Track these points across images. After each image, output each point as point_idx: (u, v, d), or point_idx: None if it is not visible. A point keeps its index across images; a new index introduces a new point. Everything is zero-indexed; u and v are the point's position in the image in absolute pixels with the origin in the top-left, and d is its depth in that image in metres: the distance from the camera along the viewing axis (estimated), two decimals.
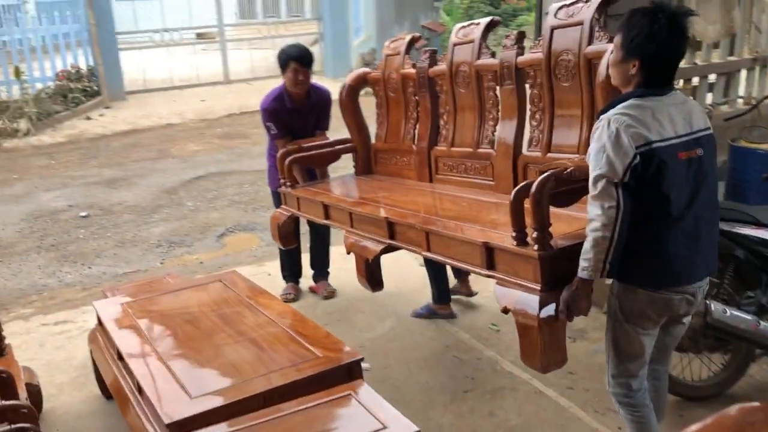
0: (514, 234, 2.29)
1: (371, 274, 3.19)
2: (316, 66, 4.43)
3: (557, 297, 2.17)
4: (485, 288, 3.95)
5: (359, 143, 4.20)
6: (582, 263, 2.11)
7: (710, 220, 2.21)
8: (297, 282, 4.53)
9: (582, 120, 2.75)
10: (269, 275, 4.69)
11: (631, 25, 2.10)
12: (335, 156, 4.19)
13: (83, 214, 6.49)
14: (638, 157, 2.02)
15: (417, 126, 3.80)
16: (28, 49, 11.53)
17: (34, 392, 3.10)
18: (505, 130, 3.14)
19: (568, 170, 2.19)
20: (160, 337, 2.82)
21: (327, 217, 3.58)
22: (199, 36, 16.15)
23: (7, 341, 3.16)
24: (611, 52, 2.23)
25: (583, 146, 2.70)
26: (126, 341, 2.81)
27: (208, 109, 11.23)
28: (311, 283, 4.54)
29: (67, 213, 6.55)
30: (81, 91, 11.24)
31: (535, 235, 2.21)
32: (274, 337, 2.70)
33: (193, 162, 8.19)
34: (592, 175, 2.08)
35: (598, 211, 2.04)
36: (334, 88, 4.45)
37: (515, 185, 3.06)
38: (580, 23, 2.70)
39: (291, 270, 4.50)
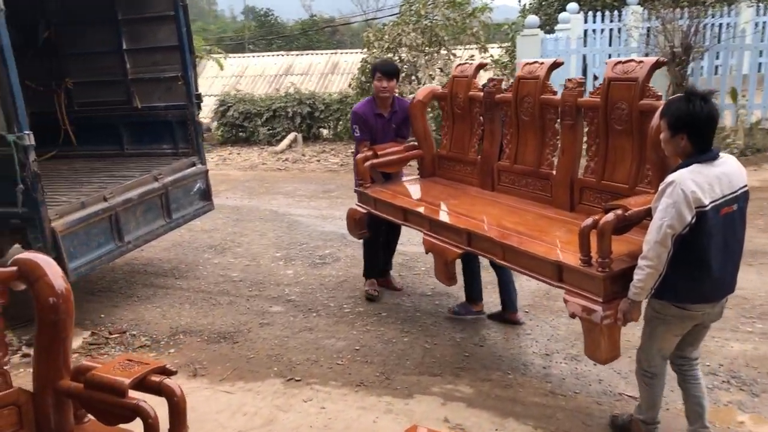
0: (581, 258, 2.97)
1: (448, 272, 3.89)
2: None
3: (614, 307, 2.86)
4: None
5: (425, 150, 4.86)
6: (633, 289, 2.77)
7: (735, 262, 2.82)
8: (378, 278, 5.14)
9: (631, 159, 3.40)
10: None
11: (673, 109, 2.69)
12: (404, 162, 4.87)
13: None
14: (695, 216, 2.62)
15: (483, 141, 4.43)
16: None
17: None
18: (565, 157, 3.79)
19: (629, 213, 2.85)
20: None
21: (405, 219, 4.26)
22: None
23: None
24: (661, 133, 2.80)
25: (632, 181, 3.37)
26: None
27: None
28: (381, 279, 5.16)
29: None
30: None
31: (599, 260, 2.88)
32: None
33: None
34: (659, 222, 2.63)
35: (655, 253, 2.64)
36: None
37: (571, 202, 3.76)
38: (635, 80, 3.32)
39: (373, 269, 5.12)
